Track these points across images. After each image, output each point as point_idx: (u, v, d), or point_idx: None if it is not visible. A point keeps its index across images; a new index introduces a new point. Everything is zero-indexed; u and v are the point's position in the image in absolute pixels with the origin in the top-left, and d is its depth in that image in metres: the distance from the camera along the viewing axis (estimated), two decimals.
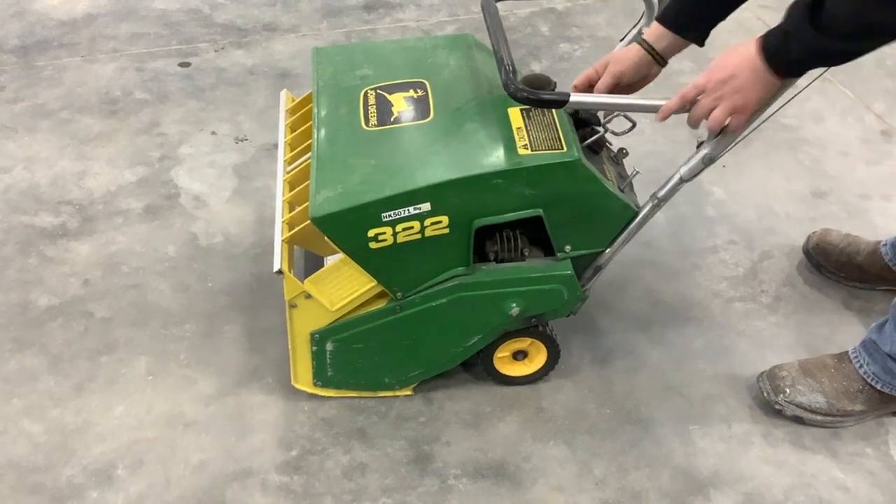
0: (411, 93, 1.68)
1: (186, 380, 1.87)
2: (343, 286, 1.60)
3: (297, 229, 1.57)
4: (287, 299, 1.59)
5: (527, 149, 1.52)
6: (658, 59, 1.61)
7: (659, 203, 1.60)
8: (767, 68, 1.34)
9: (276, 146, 2.39)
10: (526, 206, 1.54)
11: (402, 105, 1.65)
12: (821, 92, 2.83)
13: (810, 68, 1.36)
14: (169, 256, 2.19)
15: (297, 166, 1.74)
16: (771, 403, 1.80)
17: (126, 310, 2.04)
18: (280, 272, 1.52)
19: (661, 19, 1.59)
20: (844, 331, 2.00)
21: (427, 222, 1.50)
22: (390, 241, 1.51)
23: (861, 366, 1.75)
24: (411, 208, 1.48)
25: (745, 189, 2.45)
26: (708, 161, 1.53)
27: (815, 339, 2.00)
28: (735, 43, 1.39)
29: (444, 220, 1.51)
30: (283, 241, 1.58)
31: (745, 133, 1.49)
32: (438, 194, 1.48)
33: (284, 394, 1.83)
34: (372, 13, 3.29)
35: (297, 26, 3.20)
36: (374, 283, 1.58)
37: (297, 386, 1.79)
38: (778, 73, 1.35)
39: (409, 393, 1.82)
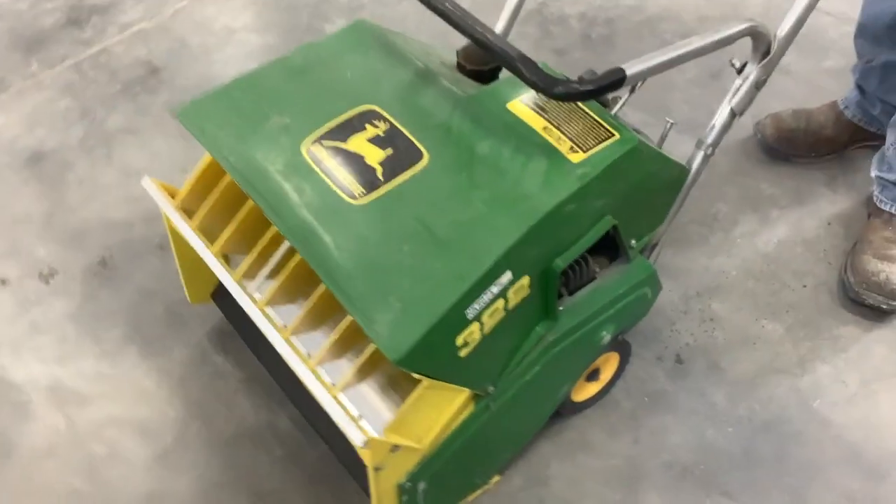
0: (370, 130, 1.25)
1: None
2: (422, 411, 1.20)
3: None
4: (371, 465, 1.16)
5: (575, 152, 1.19)
6: None
7: (711, 152, 1.35)
8: None
9: None
10: (598, 220, 1.22)
11: (372, 152, 1.22)
12: None
13: None
14: None
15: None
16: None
17: None
18: (366, 444, 1.09)
19: None
20: None
21: (510, 293, 1.14)
22: (479, 336, 1.13)
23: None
24: (493, 287, 1.11)
25: None
26: (760, 85, 1.29)
27: None
28: None
29: (526, 280, 1.16)
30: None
31: None
32: (517, 256, 1.12)
33: None
34: (85, 28, 2.60)
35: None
36: (462, 392, 1.20)
37: None
38: None
39: (497, 479, 1.47)
